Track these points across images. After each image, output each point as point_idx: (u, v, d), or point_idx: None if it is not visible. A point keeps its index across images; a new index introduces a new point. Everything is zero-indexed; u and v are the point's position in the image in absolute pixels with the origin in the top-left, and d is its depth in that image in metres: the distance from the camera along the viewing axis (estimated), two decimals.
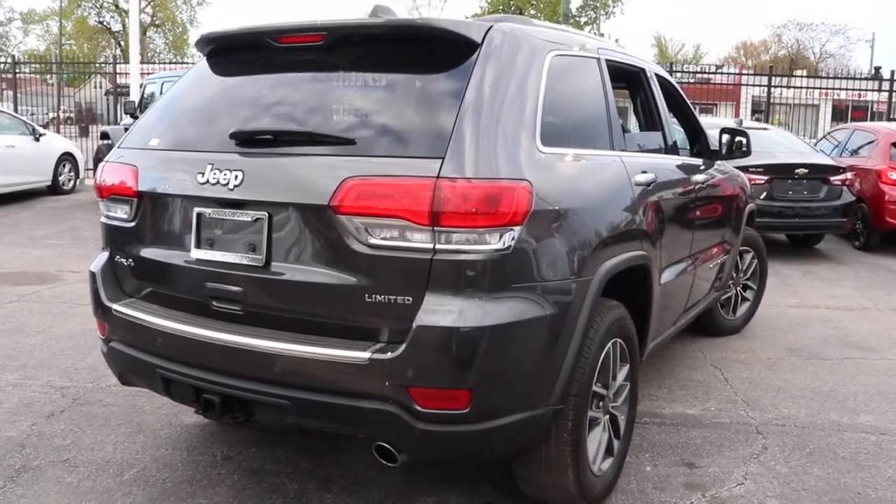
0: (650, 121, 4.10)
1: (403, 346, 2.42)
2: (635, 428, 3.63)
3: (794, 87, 18.87)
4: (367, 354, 2.46)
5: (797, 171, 9.04)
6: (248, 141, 2.75)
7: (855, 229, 9.95)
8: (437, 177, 2.40)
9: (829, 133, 12.33)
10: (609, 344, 3.05)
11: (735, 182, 5.27)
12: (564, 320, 2.68)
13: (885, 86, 18.27)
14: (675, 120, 4.99)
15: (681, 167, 4.19)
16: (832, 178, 9.22)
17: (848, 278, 8.34)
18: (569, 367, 2.72)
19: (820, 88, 19.67)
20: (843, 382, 4.82)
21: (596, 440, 3.08)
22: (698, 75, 22.32)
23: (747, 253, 5.82)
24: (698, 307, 4.77)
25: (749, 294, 5.95)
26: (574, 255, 2.74)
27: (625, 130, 3.62)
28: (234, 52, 3.18)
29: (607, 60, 3.53)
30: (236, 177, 2.67)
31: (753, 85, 20.85)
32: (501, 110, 2.62)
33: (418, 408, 2.45)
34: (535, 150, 2.68)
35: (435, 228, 2.40)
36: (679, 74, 23.02)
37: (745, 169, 8.69)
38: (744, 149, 4.83)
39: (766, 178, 8.90)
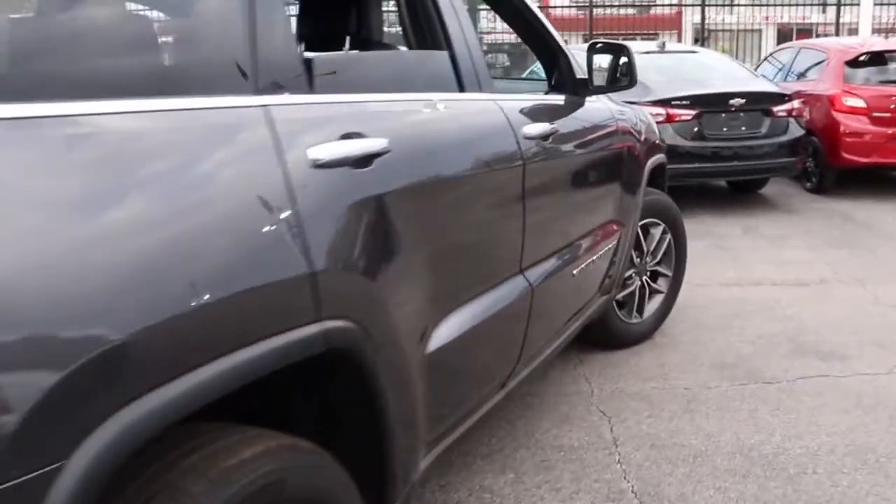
0: (421, 30, 2.21)
1: None
2: None
3: (731, 4, 17.27)
4: None
5: (731, 101, 7.19)
6: None
7: (806, 168, 8.20)
8: None
9: (771, 54, 10.50)
10: None
11: (624, 125, 3.44)
12: None
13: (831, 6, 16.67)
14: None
15: (483, 115, 2.30)
16: (775, 109, 7.41)
17: (799, 234, 6.63)
18: None
19: (756, 4, 18.23)
20: (795, 432, 3.08)
21: None
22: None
23: (655, 227, 4.01)
24: (564, 336, 2.98)
25: (661, 283, 4.15)
26: None
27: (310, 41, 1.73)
28: None
29: None
30: None
31: (687, 4, 19.28)
32: None
33: None
34: None
35: None
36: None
37: (666, 102, 6.93)
38: (621, 75, 2.98)
39: (693, 112, 7.07)
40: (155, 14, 1.38)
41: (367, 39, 2.30)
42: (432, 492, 2.70)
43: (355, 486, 1.56)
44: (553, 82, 3.08)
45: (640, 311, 4.02)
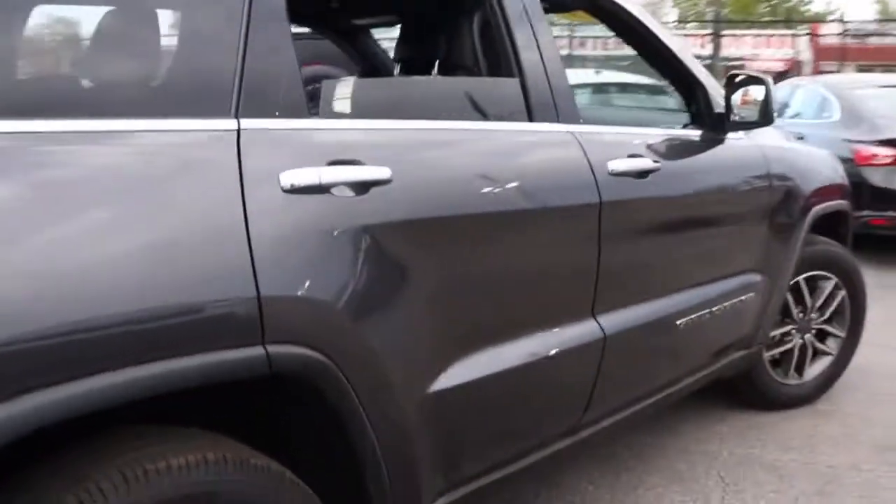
0: (492, 55, 2.14)
1: None
2: None
3: None
4: None
5: None
6: None
7: None
8: None
9: None
10: None
11: (778, 167, 3.12)
12: None
13: None
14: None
15: (544, 147, 2.17)
16: None
17: None
18: None
19: None
20: None
21: None
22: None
23: (824, 280, 3.59)
24: (674, 387, 2.76)
25: (830, 344, 3.70)
26: None
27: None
28: None
29: None
30: None
31: None
32: None
33: None
34: None
35: None
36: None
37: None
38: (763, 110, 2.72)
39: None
40: (134, 30, 1.46)
41: (456, 64, 2.27)
42: None
43: None
44: (692, 115, 2.88)
45: (800, 372, 3.62)
